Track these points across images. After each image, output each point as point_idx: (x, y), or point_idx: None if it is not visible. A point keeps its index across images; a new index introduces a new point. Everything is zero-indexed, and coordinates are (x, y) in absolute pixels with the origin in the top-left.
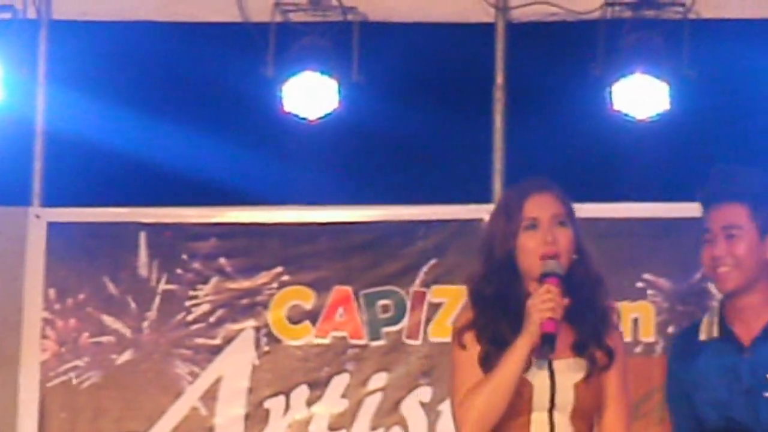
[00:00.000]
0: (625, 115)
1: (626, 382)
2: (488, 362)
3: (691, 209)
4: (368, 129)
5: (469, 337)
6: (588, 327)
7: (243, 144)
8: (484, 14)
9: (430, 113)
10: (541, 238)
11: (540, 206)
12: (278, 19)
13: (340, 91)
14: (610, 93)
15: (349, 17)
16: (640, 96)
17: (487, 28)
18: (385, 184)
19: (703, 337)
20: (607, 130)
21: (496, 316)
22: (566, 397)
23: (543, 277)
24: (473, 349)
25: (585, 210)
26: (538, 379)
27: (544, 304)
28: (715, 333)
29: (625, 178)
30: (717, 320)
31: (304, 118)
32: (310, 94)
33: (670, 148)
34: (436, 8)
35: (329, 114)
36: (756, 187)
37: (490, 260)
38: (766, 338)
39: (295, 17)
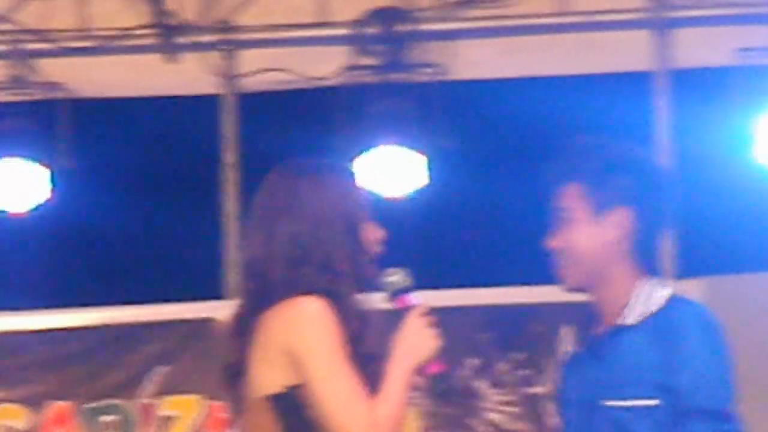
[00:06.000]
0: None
1: None
2: None
3: None
4: (83, 222)
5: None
6: None
7: None
8: (207, 85)
9: (152, 201)
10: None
11: None
12: None
13: (52, 180)
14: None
15: (57, 95)
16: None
17: (213, 101)
18: (103, 285)
19: (569, 347)
20: None
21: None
22: None
23: (396, 294)
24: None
25: None
26: None
27: (430, 342)
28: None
29: None
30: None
31: (2, 211)
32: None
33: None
34: (151, 80)
35: (40, 206)
36: (589, 165)
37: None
38: (613, 336)
39: None
